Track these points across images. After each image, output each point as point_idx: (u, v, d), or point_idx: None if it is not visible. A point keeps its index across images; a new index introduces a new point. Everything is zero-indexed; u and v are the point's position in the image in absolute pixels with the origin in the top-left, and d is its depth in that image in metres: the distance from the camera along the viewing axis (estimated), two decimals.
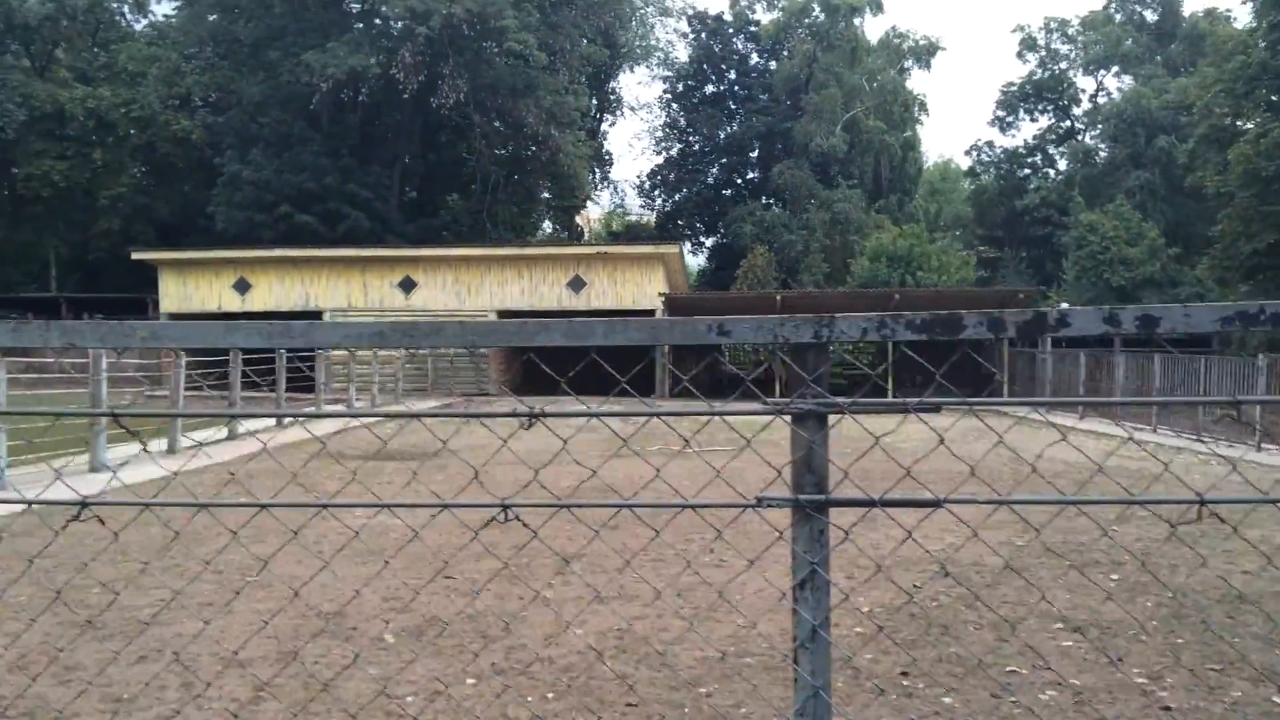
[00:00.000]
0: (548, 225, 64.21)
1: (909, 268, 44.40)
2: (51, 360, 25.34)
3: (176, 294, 38.11)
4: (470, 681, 5.38)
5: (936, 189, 79.84)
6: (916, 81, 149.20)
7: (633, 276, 35.96)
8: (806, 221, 58.95)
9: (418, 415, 2.75)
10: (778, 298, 34.09)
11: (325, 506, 2.72)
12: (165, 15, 57.89)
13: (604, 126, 67.60)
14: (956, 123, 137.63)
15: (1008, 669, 5.47)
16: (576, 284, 36.20)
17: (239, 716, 4.84)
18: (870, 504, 2.22)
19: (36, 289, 55.47)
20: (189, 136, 52.22)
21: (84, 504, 2.34)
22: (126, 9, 56.94)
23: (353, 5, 46.19)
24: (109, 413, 2.34)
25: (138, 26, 57.65)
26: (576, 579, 7.61)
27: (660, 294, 35.06)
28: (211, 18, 45.98)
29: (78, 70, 53.59)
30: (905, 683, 5.22)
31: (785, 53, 65.27)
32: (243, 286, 37.81)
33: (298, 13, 44.33)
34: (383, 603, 7.03)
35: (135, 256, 38.66)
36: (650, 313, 35.63)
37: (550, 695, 5.13)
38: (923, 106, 67.89)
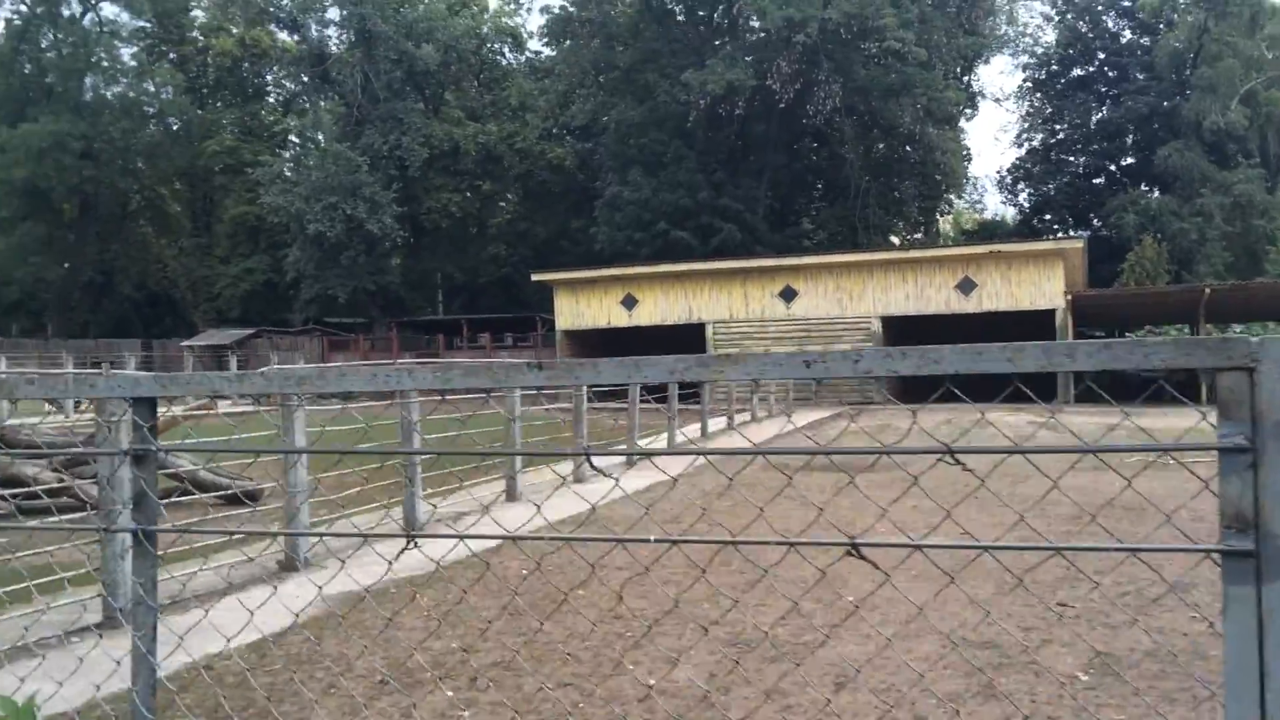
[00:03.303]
0: (901, 226, 62.54)
1: None
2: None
3: (570, 311, 40.31)
4: None
5: None
6: None
7: (1029, 275, 33.94)
8: (1200, 207, 53.59)
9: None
10: (1205, 291, 30.85)
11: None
12: (534, 51, 62.13)
13: (961, 122, 65.10)
14: None
15: None
16: (966, 285, 34.69)
17: None
18: None
19: (429, 313, 61.09)
20: (564, 163, 55.65)
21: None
22: (506, 49, 61.55)
23: (722, 21, 47.24)
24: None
25: (515, 64, 62.14)
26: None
27: (1066, 294, 32.79)
28: (594, 43, 48.58)
29: (467, 109, 58.51)
30: None
31: (1163, 25, 59.91)
32: (630, 302, 39.37)
33: (670, 34, 45.92)
34: (1023, 632, 6.53)
35: (535, 278, 41.34)
36: (1050, 314, 33.52)
37: None
38: None
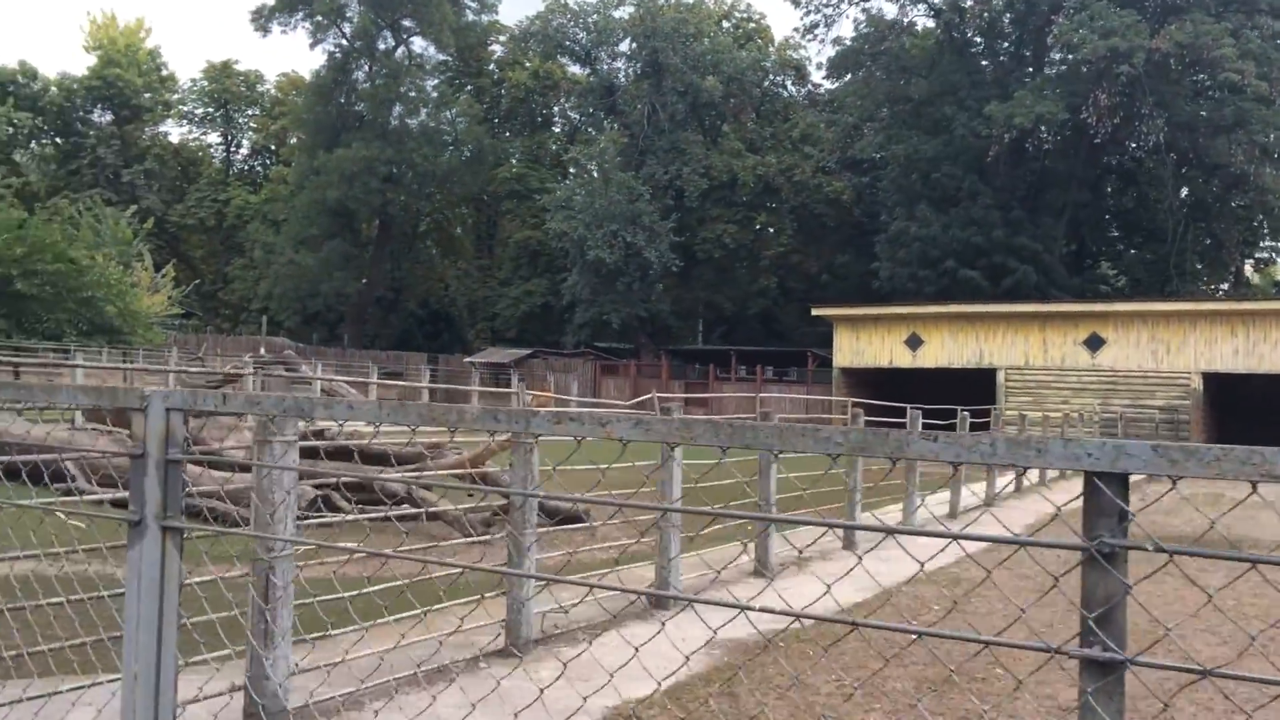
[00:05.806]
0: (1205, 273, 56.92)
1: None
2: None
3: (849, 348, 38.91)
4: None
5: None
6: None
7: None
8: None
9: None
10: None
11: None
12: (814, 84, 61.34)
13: None
14: None
15: None
16: None
17: None
18: None
19: (690, 341, 60.98)
20: (839, 197, 54.33)
21: None
22: (789, 82, 61.16)
23: (1027, 52, 44.68)
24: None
25: (796, 97, 61.63)
26: None
27: None
28: (885, 76, 47.25)
29: (746, 140, 58.36)
30: None
31: None
32: (914, 342, 37.56)
33: (969, 66, 43.88)
34: None
35: (815, 313, 40.26)
36: None
37: None
38: None
